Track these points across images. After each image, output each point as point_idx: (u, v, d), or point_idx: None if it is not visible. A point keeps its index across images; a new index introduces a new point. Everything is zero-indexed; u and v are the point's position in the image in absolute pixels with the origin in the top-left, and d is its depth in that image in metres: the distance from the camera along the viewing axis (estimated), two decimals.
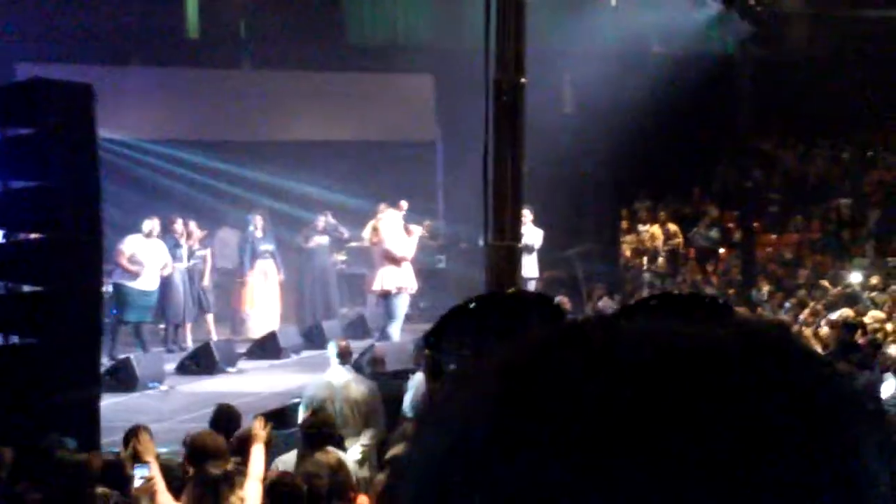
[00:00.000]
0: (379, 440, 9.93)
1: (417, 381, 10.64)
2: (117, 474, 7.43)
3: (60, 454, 7.03)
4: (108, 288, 14.93)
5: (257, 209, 18.70)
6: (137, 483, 7.48)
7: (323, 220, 19.04)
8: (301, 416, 9.97)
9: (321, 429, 8.52)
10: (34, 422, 8.26)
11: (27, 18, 19.46)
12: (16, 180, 9.35)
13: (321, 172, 21.13)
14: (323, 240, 18.88)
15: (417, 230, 17.02)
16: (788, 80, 22.01)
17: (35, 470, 6.92)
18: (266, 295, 18.11)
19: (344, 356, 10.43)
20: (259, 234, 18.03)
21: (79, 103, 9.27)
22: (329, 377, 10.35)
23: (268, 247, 18.04)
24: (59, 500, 6.72)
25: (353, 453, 9.38)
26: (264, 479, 7.18)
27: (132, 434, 7.48)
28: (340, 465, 7.41)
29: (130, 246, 15.82)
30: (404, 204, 18.05)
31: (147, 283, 15.97)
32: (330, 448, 8.38)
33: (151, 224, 16.13)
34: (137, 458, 7.54)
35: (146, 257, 15.92)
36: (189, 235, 17.51)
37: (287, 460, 8.23)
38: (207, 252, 17.84)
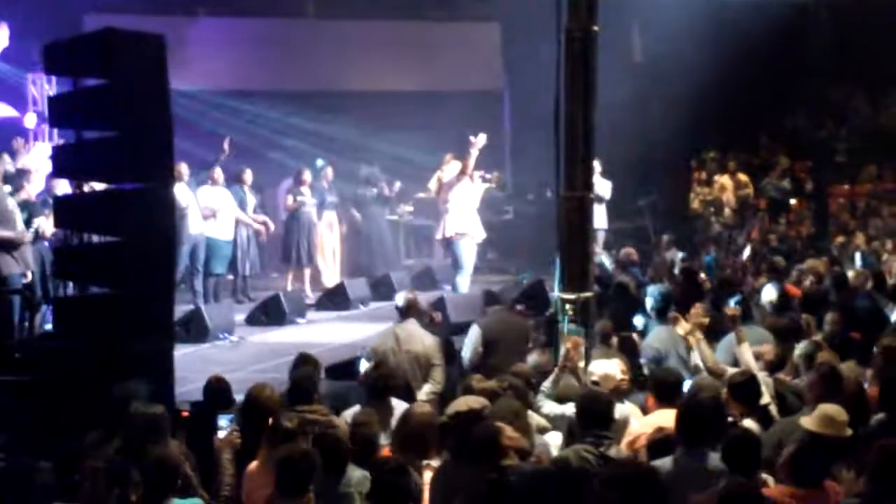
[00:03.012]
0: (439, 393, 9.90)
1: (475, 333, 10.64)
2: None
3: (133, 407, 7.05)
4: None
5: (326, 160, 18.66)
6: (221, 434, 7.51)
7: (366, 170, 18.92)
8: (363, 367, 9.97)
9: (383, 381, 8.51)
10: (111, 372, 8.30)
11: None
12: (88, 131, 9.35)
13: (386, 122, 21.10)
14: (369, 191, 18.76)
15: (481, 183, 16.88)
16: (865, 28, 21.55)
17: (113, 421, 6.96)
18: (332, 246, 18.12)
19: (409, 308, 10.36)
20: (325, 184, 18.01)
21: (150, 53, 9.21)
22: (394, 329, 10.30)
23: (333, 198, 18.04)
24: (133, 452, 6.74)
25: None
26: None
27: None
28: (429, 417, 7.40)
29: (204, 197, 15.86)
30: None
31: (226, 232, 16.07)
32: (394, 401, 8.36)
33: (218, 173, 16.11)
34: (221, 408, 7.56)
35: (220, 206, 15.98)
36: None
37: (348, 415, 8.19)
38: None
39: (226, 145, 16.16)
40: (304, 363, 8.89)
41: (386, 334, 10.35)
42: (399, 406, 8.20)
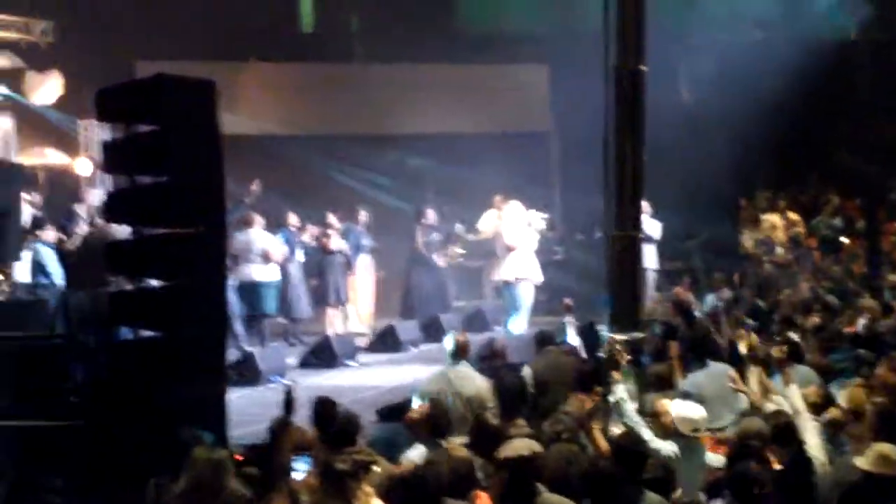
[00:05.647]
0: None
1: (526, 375, 10.62)
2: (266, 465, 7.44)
3: (198, 451, 7.04)
4: (233, 282, 15.20)
5: (361, 204, 18.78)
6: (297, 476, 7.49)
7: (433, 215, 18.96)
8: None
9: (435, 421, 8.46)
10: (164, 416, 8.32)
11: (145, 16, 19.74)
12: (141, 176, 9.43)
13: (435, 165, 21.16)
14: (434, 234, 18.79)
15: (539, 221, 16.95)
16: None
17: (175, 465, 6.96)
18: (365, 290, 18.18)
19: (460, 351, 10.28)
20: (361, 229, 18.10)
21: (201, 99, 9.30)
22: (444, 371, 10.23)
23: (369, 242, 18.12)
24: (196, 497, 6.75)
25: None
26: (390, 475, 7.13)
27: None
28: (465, 461, 7.31)
29: (256, 239, 16.09)
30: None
31: (274, 274, 16.20)
32: (455, 443, 8.29)
33: (260, 217, 16.35)
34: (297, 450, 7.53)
35: (269, 249, 16.15)
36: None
37: (414, 456, 8.17)
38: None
39: (254, 187, 16.34)
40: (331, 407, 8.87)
41: (434, 377, 10.29)
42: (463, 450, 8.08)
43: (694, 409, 8.41)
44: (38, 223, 14.66)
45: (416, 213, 18.66)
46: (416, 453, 8.18)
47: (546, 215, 17.51)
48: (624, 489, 6.80)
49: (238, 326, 15.67)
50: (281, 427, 7.41)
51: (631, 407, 8.62)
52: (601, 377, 9.06)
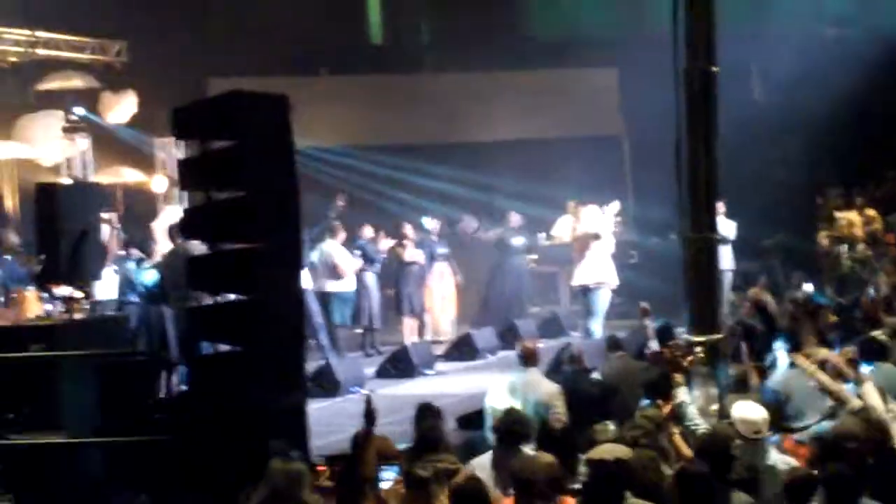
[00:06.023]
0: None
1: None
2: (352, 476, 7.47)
3: (275, 463, 7.09)
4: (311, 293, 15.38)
5: (434, 212, 18.85)
6: (385, 485, 7.54)
7: (516, 218, 18.99)
8: (487, 417, 9.89)
9: (514, 428, 8.43)
10: (246, 429, 8.39)
11: (216, 34, 19.98)
12: (217, 192, 9.51)
13: (507, 172, 21.17)
14: (516, 239, 18.82)
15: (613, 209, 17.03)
16: None
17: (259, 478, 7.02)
18: (443, 297, 18.21)
19: (528, 358, 10.25)
20: (434, 237, 18.14)
21: (275, 114, 9.37)
22: (511, 378, 10.21)
23: (443, 249, 18.16)
24: None
25: None
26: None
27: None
28: (552, 466, 7.28)
29: (331, 252, 16.24)
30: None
31: (347, 286, 16.34)
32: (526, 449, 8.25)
33: (340, 229, 16.54)
34: (382, 460, 7.58)
35: (339, 263, 16.27)
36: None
37: (483, 463, 8.17)
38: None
39: (340, 202, 16.51)
40: (427, 413, 8.86)
41: (504, 385, 10.26)
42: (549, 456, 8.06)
43: (755, 411, 8.25)
44: (127, 242, 14.94)
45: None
46: (483, 459, 8.19)
47: (618, 205, 17.53)
48: (713, 489, 6.73)
49: (323, 337, 15.80)
50: (364, 437, 7.45)
51: (693, 410, 8.57)
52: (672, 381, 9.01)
